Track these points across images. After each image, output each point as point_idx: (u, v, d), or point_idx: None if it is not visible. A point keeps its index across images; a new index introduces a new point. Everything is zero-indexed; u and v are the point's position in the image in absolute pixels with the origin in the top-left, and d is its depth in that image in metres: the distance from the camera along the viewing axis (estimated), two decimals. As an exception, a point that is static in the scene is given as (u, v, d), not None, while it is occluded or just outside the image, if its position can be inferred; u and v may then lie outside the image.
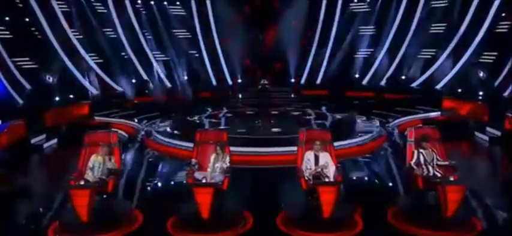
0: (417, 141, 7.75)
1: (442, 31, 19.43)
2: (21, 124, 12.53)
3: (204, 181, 7.22)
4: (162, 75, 21.60)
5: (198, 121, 15.47)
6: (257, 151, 11.29)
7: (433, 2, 19.78)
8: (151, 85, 20.82)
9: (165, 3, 21.73)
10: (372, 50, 21.52)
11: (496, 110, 13.64)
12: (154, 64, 21.47)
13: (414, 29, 20.19)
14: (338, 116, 15.43)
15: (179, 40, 21.91)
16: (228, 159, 7.66)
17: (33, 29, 17.59)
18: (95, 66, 19.63)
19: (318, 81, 22.36)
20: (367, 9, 21.49)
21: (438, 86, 19.10)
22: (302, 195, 7.44)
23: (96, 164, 7.55)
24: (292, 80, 22.45)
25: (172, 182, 10.00)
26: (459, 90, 17.29)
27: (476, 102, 15.32)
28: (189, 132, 10.52)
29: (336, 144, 8.26)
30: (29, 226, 7.36)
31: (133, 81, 20.58)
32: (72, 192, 6.71)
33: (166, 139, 12.47)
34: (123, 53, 20.58)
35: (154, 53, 21.60)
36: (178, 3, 22.03)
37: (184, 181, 7.76)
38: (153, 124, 14.78)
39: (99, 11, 20.02)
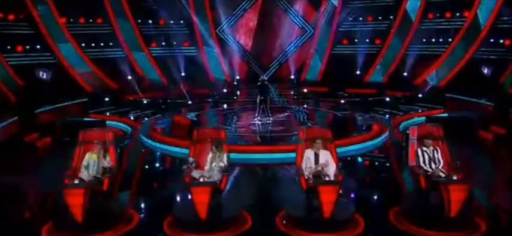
0: (420, 139, 7.58)
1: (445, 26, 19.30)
2: (13, 121, 12.29)
3: (201, 180, 7.05)
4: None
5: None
6: (255, 149, 11.11)
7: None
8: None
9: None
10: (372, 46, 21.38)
11: (501, 107, 13.44)
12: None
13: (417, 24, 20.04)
14: (339, 114, 15.27)
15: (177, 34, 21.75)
16: (226, 157, 7.49)
17: (26, 23, 17.38)
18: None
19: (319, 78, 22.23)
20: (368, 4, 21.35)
21: (442, 83, 18.94)
22: (302, 194, 7.27)
23: (90, 162, 7.39)
24: (292, 77, 22.29)
25: (168, 181, 9.82)
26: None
27: (481, 99, 15.12)
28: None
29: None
30: (22, 226, 7.20)
31: (129, 77, 20.43)
32: (66, 191, 6.58)
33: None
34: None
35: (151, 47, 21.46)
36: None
37: (182, 179, 7.59)
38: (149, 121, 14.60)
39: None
